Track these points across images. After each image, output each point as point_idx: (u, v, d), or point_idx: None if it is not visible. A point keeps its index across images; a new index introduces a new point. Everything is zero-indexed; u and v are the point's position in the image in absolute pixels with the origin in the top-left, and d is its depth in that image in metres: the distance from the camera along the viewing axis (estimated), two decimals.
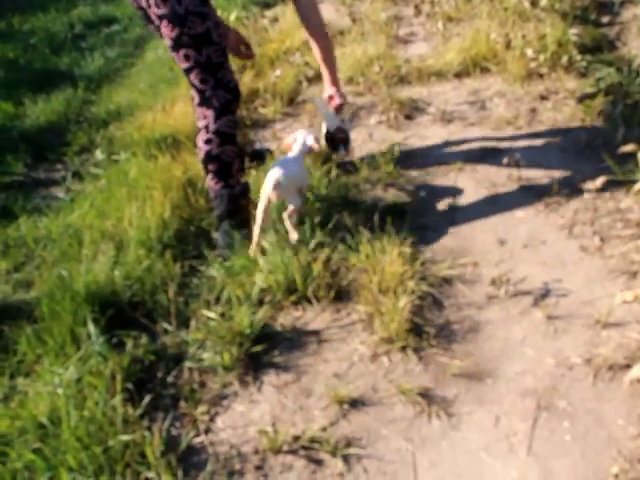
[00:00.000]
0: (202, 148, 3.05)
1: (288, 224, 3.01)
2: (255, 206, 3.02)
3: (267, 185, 2.95)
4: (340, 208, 3.18)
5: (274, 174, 2.94)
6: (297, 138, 3.23)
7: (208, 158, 3.05)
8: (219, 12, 5.91)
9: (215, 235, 3.15)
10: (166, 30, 2.87)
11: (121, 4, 7.72)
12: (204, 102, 3.01)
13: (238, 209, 3.13)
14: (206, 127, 3.02)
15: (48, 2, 7.86)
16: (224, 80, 3.01)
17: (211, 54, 2.94)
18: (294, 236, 2.99)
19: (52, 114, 4.96)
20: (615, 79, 4.13)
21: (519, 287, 2.71)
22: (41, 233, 3.44)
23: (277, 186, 2.93)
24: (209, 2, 2.96)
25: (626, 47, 4.74)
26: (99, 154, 4.21)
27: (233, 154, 3.09)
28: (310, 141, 3.23)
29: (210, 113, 3.01)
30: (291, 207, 3.01)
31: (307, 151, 3.23)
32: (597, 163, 3.41)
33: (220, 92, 3.00)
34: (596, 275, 2.73)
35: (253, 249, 2.96)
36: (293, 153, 3.20)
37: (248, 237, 3.02)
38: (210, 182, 3.10)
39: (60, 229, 3.37)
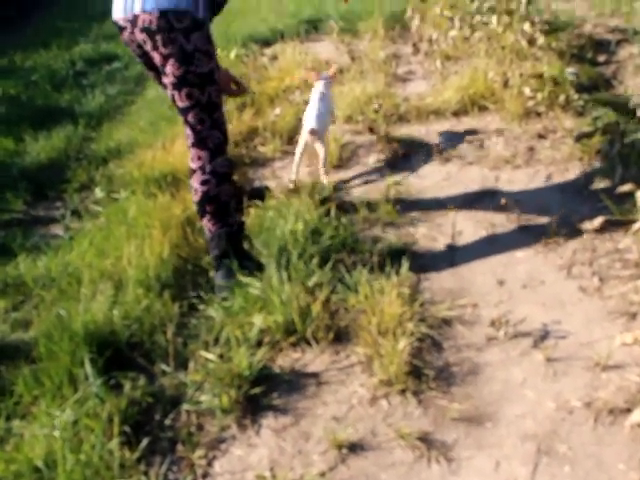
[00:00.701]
0: (199, 189, 3.03)
1: (322, 170, 3.86)
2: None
3: (304, 131, 3.81)
4: (339, 248, 3.18)
5: (309, 122, 3.81)
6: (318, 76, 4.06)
7: (206, 199, 3.04)
8: (219, 50, 5.97)
9: (215, 276, 3.13)
10: (172, 68, 2.87)
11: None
12: (199, 142, 3.01)
13: (237, 247, 3.13)
14: (201, 168, 3.02)
15: (50, 39, 7.92)
16: (219, 121, 3.03)
17: (212, 93, 2.96)
18: (325, 181, 3.83)
19: (52, 151, 4.98)
20: (612, 118, 4.15)
21: (518, 328, 2.71)
22: (40, 272, 3.43)
23: (313, 131, 3.78)
24: (213, 42, 3.00)
25: (623, 86, 4.77)
26: (99, 192, 4.22)
27: (230, 193, 3.09)
28: (326, 76, 4.12)
29: (205, 154, 3.02)
30: (322, 152, 3.86)
31: (331, 82, 4.12)
32: (595, 202, 3.41)
33: (215, 132, 3.02)
34: (595, 316, 2.73)
35: (293, 180, 3.83)
36: (316, 94, 3.97)
37: (253, 268, 3.03)
38: (208, 224, 3.09)
39: (59, 268, 3.37)
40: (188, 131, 3.04)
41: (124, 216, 3.65)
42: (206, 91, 2.94)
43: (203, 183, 3.02)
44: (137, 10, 2.83)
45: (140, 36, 2.88)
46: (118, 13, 2.93)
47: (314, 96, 4.02)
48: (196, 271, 3.24)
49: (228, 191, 3.09)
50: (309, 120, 3.85)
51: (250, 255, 3.16)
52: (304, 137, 3.84)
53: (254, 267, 3.05)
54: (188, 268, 3.25)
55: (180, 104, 2.97)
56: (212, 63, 2.94)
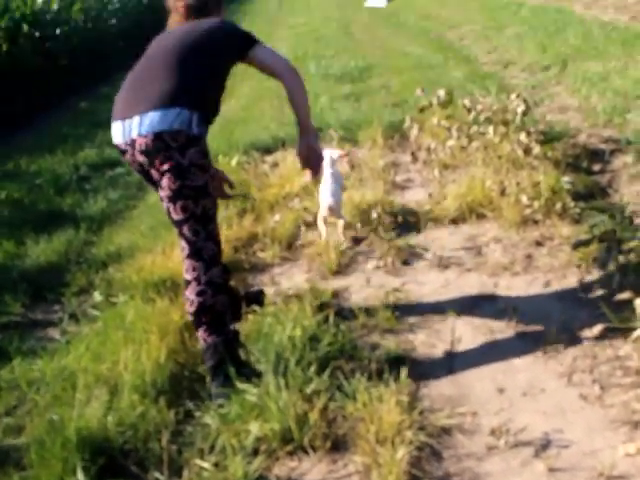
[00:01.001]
0: (195, 300, 3.04)
1: (341, 236, 4.42)
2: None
3: (322, 209, 4.33)
4: (337, 355, 3.16)
5: (326, 201, 4.29)
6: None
7: (202, 310, 3.04)
8: (220, 157, 6.08)
9: (211, 385, 3.09)
10: (168, 182, 2.96)
11: None
12: (194, 254, 3.04)
13: (233, 355, 3.11)
14: (197, 279, 3.04)
15: (56, 144, 8.07)
16: (213, 233, 3.08)
17: (206, 206, 3.03)
18: (344, 243, 4.40)
19: (53, 254, 5.00)
20: (609, 226, 4.20)
21: (519, 437, 2.67)
22: (35, 376, 3.39)
23: (330, 209, 4.30)
24: (209, 154, 3.07)
25: (618, 194, 4.84)
26: (97, 296, 4.22)
27: (225, 303, 3.12)
28: (335, 155, 4.48)
29: (200, 265, 3.04)
30: (341, 222, 4.44)
31: (339, 161, 4.52)
32: (594, 310, 3.42)
33: (209, 244, 3.06)
34: (597, 425, 2.69)
35: (325, 238, 4.35)
36: (327, 173, 4.29)
37: (250, 375, 3.00)
38: (203, 334, 3.08)
39: (54, 372, 3.33)
40: (183, 243, 3.07)
41: (122, 321, 3.63)
42: (200, 204, 3.00)
43: (199, 294, 3.03)
44: (134, 135, 2.96)
45: (140, 157, 3.01)
46: (118, 138, 3.06)
47: (326, 175, 4.33)
48: (193, 377, 3.20)
49: (223, 301, 3.11)
50: (326, 199, 4.30)
51: (246, 363, 3.14)
52: (322, 213, 4.35)
53: (251, 374, 3.02)
54: (185, 374, 3.21)
55: (175, 217, 3.03)
56: (206, 176, 3.03)
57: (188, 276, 3.07)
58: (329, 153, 4.38)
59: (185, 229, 3.02)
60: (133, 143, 2.98)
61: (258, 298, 3.72)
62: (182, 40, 3.14)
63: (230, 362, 3.04)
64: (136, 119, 2.96)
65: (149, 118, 2.93)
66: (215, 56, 3.13)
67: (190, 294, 3.06)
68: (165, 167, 2.95)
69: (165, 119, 2.92)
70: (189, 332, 3.45)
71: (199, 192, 2.99)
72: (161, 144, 2.93)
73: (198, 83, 3.05)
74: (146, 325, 3.46)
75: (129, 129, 2.98)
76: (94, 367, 3.25)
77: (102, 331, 3.63)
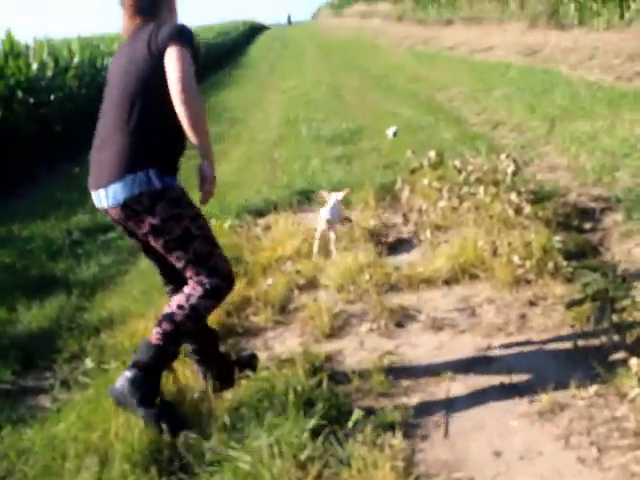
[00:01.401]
0: (171, 307, 3.16)
1: (332, 248, 5.15)
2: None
3: (321, 220, 5.13)
4: (331, 420, 3.12)
5: (326, 214, 5.11)
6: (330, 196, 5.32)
7: (169, 318, 3.14)
8: (213, 221, 6.10)
9: (123, 375, 3.16)
10: (152, 241, 3.13)
11: None
12: (198, 283, 3.15)
13: (157, 370, 3.18)
14: (188, 296, 3.14)
15: (49, 210, 8.08)
16: (217, 267, 3.17)
17: (197, 248, 3.12)
18: (334, 255, 5.09)
19: (45, 320, 4.97)
20: (601, 285, 4.20)
21: None
22: (24, 445, 3.34)
23: (329, 221, 5.10)
24: (185, 194, 3.16)
25: (609, 252, 4.86)
26: (89, 362, 4.18)
27: (191, 332, 3.24)
28: (340, 195, 5.33)
29: (199, 290, 3.14)
30: (333, 236, 5.18)
31: (342, 199, 5.36)
32: (589, 369, 3.39)
33: (214, 279, 3.16)
34: None
35: (315, 255, 5.19)
36: (331, 202, 5.20)
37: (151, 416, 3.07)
38: (156, 334, 3.16)
39: (44, 441, 3.27)
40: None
41: None
42: (190, 249, 3.12)
43: (178, 307, 3.14)
44: (105, 206, 3.15)
45: (119, 223, 3.21)
46: (96, 203, 3.25)
47: (330, 203, 5.22)
48: (184, 446, 3.15)
49: (191, 329, 3.21)
50: (325, 214, 5.12)
51: (155, 390, 3.19)
52: (321, 226, 5.16)
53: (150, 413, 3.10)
54: (176, 443, 3.16)
55: (176, 265, 3.18)
56: (184, 222, 3.11)
57: (185, 289, 3.17)
58: (334, 195, 5.33)
59: (188, 273, 3.17)
60: (107, 212, 3.18)
61: (250, 362, 3.71)
62: (125, 80, 3.16)
63: (149, 373, 3.12)
64: (102, 192, 3.13)
65: (112, 191, 3.07)
66: (156, 87, 3.08)
67: (174, 301, 3.17)
68: (142, 230, 3.09)
69: (125, 188, 3.04)
70: (182, 398, 3.43)
71: (183, 241, 3.10)
72: (129, 211, 3.07)
73: (147, 135, 3.11)
74: None
75: (99, 200, 3.17)
76: (85, 436, 3.21)
77: (93, 399, 3.59)
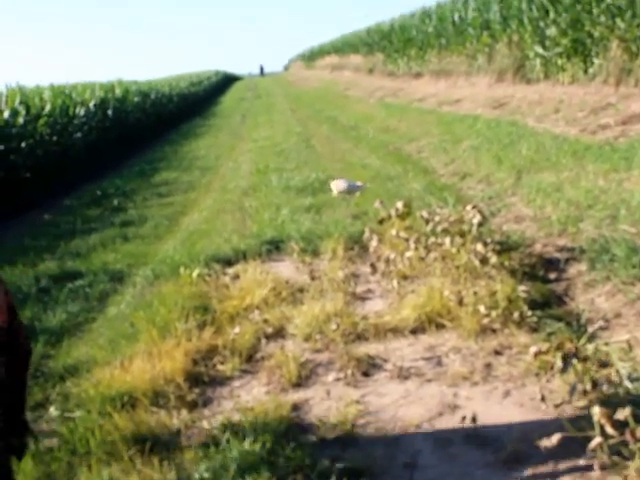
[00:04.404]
0: None
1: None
2: None
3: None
4: (296, 470, 3.12)
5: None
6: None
7: None
8: (182, 269, 6.11)
9: None
10: None
11: (87, 259, 7.92)
12: None
13: None
14: None
15: (16, 256, 8.02)
16: None
17: None
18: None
19: None
20: (565, 334, 4.25)
21: None
22: None
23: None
24: None
25: (574, 302, 4.92)
26: (53, 411, 4.14)
27: None
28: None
29: None
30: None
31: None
32: (553, 419, 3.42)
33: None
34: None
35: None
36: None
37: None
38: None
39: None
40: None
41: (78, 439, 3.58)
42: None
43: None
44: None
45: None
46: None
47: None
48: None
49: None
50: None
51: None
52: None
53: None
54: None
55: None
56: None
57: None
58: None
59: None
60: None
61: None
62: None
63: None
64: None
65: None
66: None
67: None
68: None
69: None
70: (146, 445, 3.41)
71: None
72: None
73: None
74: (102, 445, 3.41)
75: None
76: None
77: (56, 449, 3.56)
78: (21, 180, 11.36)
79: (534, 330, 4.44)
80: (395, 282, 5.32)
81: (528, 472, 3.10)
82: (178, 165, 15.59)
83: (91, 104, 16.56)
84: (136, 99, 22.14)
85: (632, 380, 3.59)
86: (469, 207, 6.15)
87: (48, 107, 13.62)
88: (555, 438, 3.24)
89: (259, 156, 14.47)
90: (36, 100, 13.70)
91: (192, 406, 3.99)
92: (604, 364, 3.86)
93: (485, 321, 4.54)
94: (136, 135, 20.13)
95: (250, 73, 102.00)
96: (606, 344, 4.10)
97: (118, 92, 20.35)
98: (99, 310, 6.15)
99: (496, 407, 3.70)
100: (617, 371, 3.69)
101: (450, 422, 3.59)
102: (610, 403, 3.18)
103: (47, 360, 5.07)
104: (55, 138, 13.35)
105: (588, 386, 3.64)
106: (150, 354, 4.47)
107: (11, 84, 12.92)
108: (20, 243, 8.94)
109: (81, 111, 15.54)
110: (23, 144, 11.74)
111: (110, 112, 17.96)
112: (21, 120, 12.08)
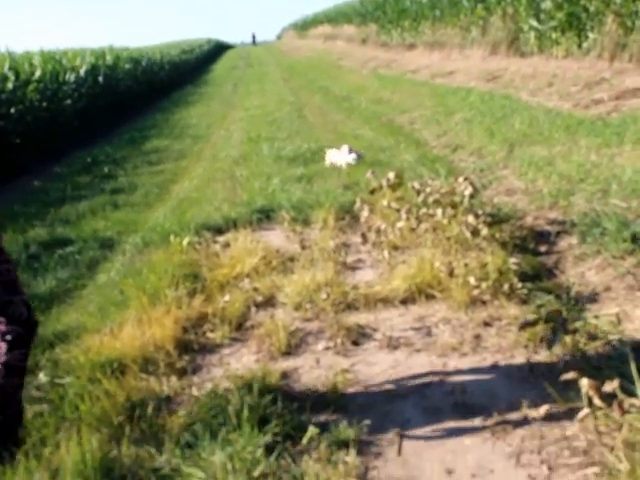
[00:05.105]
0: None
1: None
2: None
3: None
4: (285, 437, 3.13)
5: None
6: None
7: None
8: (172, 238, 6.09)
9: None
10: None
11: (77, 226, 7.90)
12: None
13: (11, 436, 3.15)
14: None
15: (6, 223, 7.92)
16: (15, 315, 3.10)
17: None
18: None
19: None
20: (555, 306, 4.27)
21: None
22: None
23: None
24: None
25: (564, 275, 4.93)
26: (43, 377, 4.13)
27: (18, 386, 3.16)
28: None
29: (3, 345, 3.07)
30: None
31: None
32: (541, 390, 3.44)
33: (14, 327, 3.09)
34: None
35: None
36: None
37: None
38: None
39: None
40: None
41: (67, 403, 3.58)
42: None
43: None
44: None
45: None
46: None
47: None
48: (137, 461, 3.14)
49: (16, 384, 3.14)
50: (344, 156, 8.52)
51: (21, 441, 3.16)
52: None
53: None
54: (125, 460, 3.14)
55: None
56: None
57: None
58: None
59: None
60: None
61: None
62: None
63: (4, 443, 3.08)
64: None
65: None
66: None
67: None
68: None
69: None
70: (140, 411, 3.41)
71: None
72: None
73: None
74: (91, 408, 3.41)
75: None
76: (36, 451, 3.17)
77: (46, 413, 3.56)
78: (11, 146, 11.29)
79: (524, 302, 4.44)
80: (386, 252, 5.32)
81: (516, 442, 3.11)
82: (169, 133, 15.51)
83: (82, 70, 16.44)
84: (127, 66, 21.99)
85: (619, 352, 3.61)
86: (461, 179, 6.14)
87: (38, 73, 13.51)
88: (543, 409, 3.26)
89: (251, 125, 14.40)
90: (26, 66, 13.59)
91: (181, 373, 3.99)
92: (593, 337, 3.88)
93: (475, 292, 4.55)
94: (127, 102, 20.02)
95: (242, 42, 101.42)
96: (595, 317, 4.13)
97: (109, 59, 20.20)
98: (89, 277, 6.14)
99: (485, 378, 3.71)
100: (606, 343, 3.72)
101: (439, 392, 3.60)
102: (598, 375, 3.19)
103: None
104: (45, 104, 13.25)
105: (577, 358, 3.66)
106: (140, 321, 4.46)
107: (0, 49, 12.81)
108: (10, 209, 8.90)
109: (71, 77, 15.42)
110: (12, 110, 11.66)
111: (101, 79, 17.85)
112: (10, 86, 11.99)
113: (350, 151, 8.79)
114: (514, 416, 3.28)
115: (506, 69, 14.66)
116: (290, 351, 4.18)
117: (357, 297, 4.75)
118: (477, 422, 3.29)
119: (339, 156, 8.78)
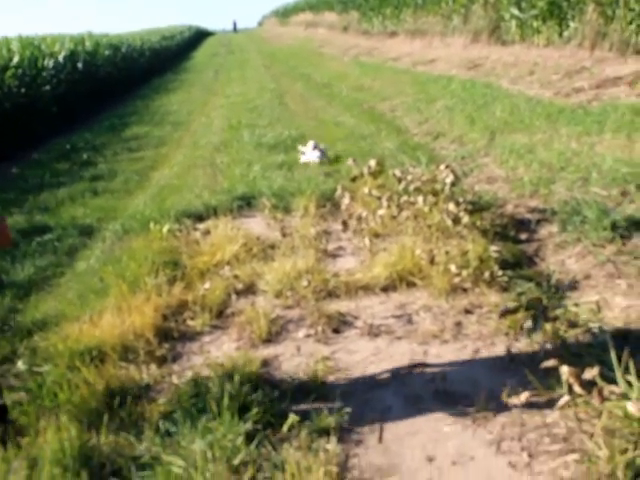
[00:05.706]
0: None
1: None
2: None
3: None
4: (265, 425, 3.12)
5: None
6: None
7: None
8: (152, 225, 6.05)
9: None
10: None
11: (56, 213, 7.83)
12: None
13: None
14: None
15: None
16: None
17: None
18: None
19: None
20: (535, 294, 4.28)
21: None
22: None
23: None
24: None
25: (544, 263, 4.95)
26: (21, 365, 4.10)
27: None
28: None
29: None
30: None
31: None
32: (522, 377, 3.44)
33: None
34: None
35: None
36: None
37: None
38: None
39: None
40: None
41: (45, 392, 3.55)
42: None
43: None
44: None
45: None
46: None
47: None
48: (117, 449, 3.12)
49: None
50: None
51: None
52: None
53: None
54: (104, 449, 3.12)
55: None
56: None
57: None
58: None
59: None
60: None
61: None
62: None
63: None
64: None
65: None
66: None
67: None
68: None
69: None
70: (115, 399, 3.39)
71: None
72: None
73: None
74: (70, 396, 3.38)
75: None
76: (14, 439, 3.15)
77: (25, 402, 3.53)
78: None
79: (504, 290, 4.45)
80: (367, 240, 5.31)
81: (496, 429, 3.12)
82: (149, 120, 15.41)
83: (60, 56, 16.27)
84: (107, 52, 21.81)
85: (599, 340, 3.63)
86: (442, 167, 6.14)
87: (16, 59, 13.36)
88: (523, 396, 3.27)
89: (232, 112, 14.34)
90: (3, 51, 13.45)
91: (161, 361, 3.97)
92: (573, 324, 3.89)
93: (456, 280, 4.55)
94: (107, 89, 19.85)
95: (223, 29, 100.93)
96: (576, 305, 4.14)
97: (88, 45, 20.02)
98: (68, 264, 6.09)
99: (465, 365, 3.71)
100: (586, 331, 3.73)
101: (420, 380, 3.60)
102: (579, 363, 3.20)
103: (15, 314, 5.02)
104: (23, 90, 13.10)
105: (557, 345, 3.67)
106: (119, 309, 4.43)
107: None
108: None
109: (50, 63, 15.27)
110: None
111: (80, 65, 17.68)
112: None
113: (315, 147, 8.73)
114: (494, 403, 3.28)
115: (487, 57, 14.69)
116: (271, 339, 4.16)
117: (338, 285, 4.74)
118: (458, 409, 3.30)
119: (309, 153, 8.73)
